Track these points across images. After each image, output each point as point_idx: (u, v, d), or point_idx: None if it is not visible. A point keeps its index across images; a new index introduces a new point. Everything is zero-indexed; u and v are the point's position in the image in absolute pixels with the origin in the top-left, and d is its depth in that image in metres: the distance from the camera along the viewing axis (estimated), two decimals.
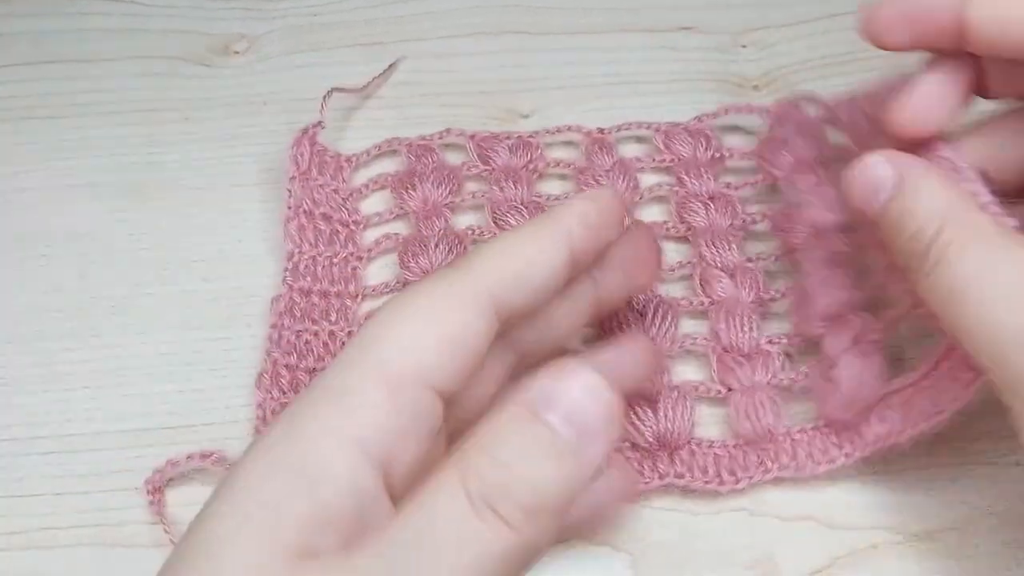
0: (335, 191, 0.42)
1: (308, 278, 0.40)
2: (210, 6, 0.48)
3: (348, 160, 0.43)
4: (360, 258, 0.41)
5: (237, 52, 0.47)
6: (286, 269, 0.40)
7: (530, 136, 0.43)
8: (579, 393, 0.25)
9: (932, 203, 0.31)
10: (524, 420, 0.25)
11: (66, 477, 0.37)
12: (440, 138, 0.43)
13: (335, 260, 0.40)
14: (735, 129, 0.44)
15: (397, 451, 0.26)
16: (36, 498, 0.37)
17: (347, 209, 0.42)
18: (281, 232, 0.41)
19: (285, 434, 0.26)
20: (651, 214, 0.42)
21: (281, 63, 0.47)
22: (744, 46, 0.47)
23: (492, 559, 0.24)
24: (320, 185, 0.41)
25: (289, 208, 0.41)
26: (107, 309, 0.41)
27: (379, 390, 0.26)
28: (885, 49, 0.33)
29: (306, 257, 0.40)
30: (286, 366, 0.37)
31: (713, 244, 0.40)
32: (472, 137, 0.43)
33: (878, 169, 0.32)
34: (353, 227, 0.41)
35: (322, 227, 0.41)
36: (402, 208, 0.41)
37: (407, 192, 0.41)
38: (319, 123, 0.42)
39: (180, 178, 0.44)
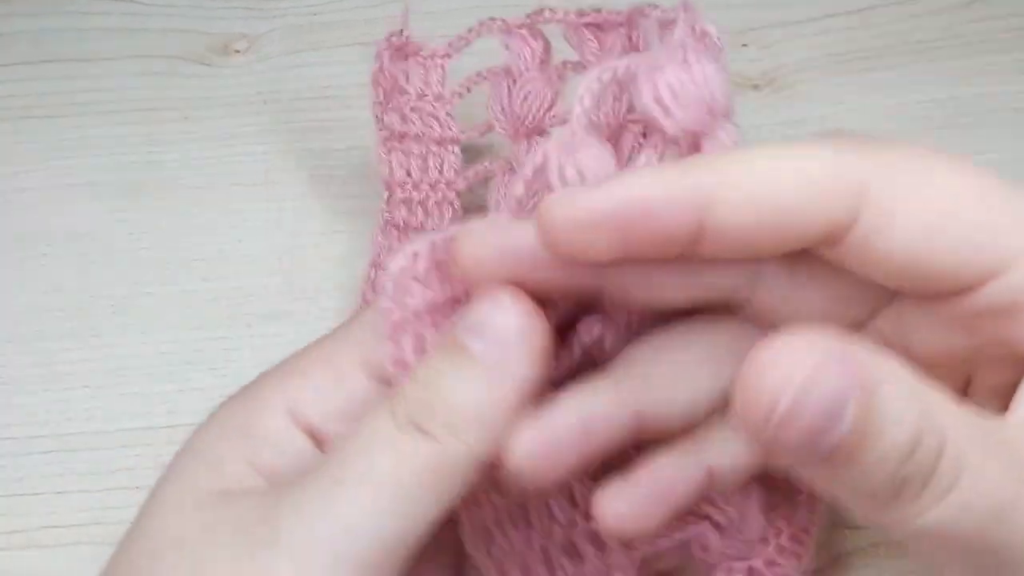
0: (426, 102, 0.39)
1: (404, 210, 0.38)
2: (210, 5, 0.48)
3: (437, 57, 0.40)
4: (455, 190, 0.38)
5: (237, 51, 0.47)
6: (383, 206, 0.38)
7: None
8: (488, 309, 0.25)
9: (914, 405, 0.20)
10: (445, 346, 0.26)
11: (66, 476, 0.37)
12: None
13: (431, 192, 0.38)
14: None
15: (343, 427, 0.27)
16: (36, 497, 0.37)
17: (440, 122, 0.39)
18: (278, 230, 0.41)
19: (238, 402, 0.28)
20: None
21: (281, 62, 0.47)
22: (744, 45, 0.47)
23: (421, 473, 0.25)
24: (408, 100, 0.39)
25: (380, 132, 0.38)
26: (107, 309, 0.41)
27: (327, 374, 0.27)
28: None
29: (398, 193, 0.38)
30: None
31: None
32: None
33: (832, 378, 0.19)
34: (450, 146, 0.39)
35: (415, 150, 0.38)
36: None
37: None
38: (399, 33, 0.40)
39: (180, 178, 0.44)
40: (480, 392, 0.25)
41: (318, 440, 0.27)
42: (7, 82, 0.46)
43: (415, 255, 0.25)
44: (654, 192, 0.23)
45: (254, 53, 0.47)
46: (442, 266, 0.26)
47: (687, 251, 0.23)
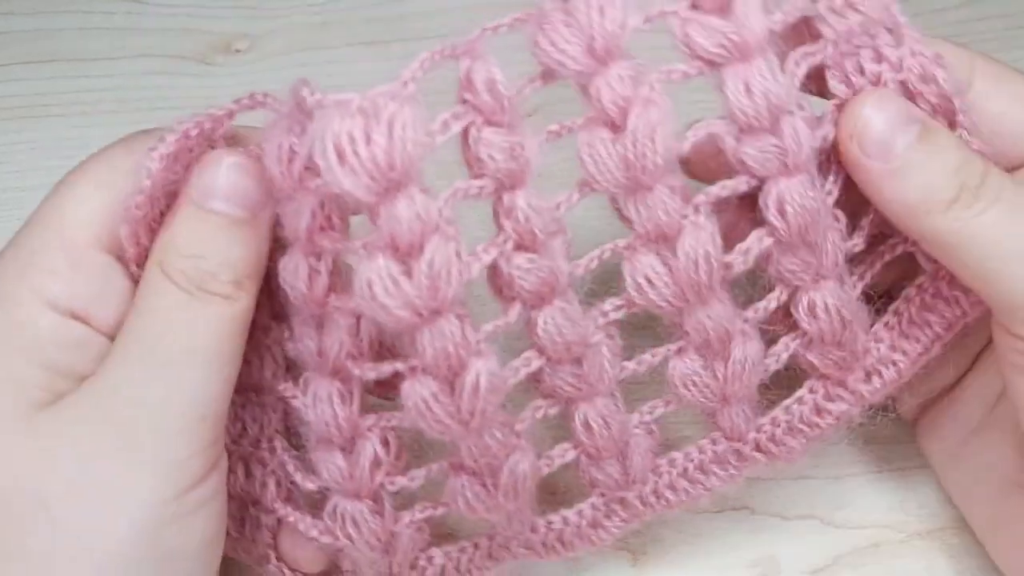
0: None
1: None
2: (212, 5, 0.48)
3: None
4: None
5: (239, 51, 0.47)
6: None
7: None
8: (228, 174, 0.29)
9: (969, 148, 0.30)
10: (197, 217, 0.29)
11: None
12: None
13: None
14: None
15: (97, 308, 0.29)
16: None
17: None
18: None
19: None
20: None
21: (282, 62, 0.47)
22: None
23: (219, 329, 0.28)
24: None
25: None
26: None
27: (61, 256, 0.29)
28: None
29: None
30: None
31: None
32: None
33: (896, 102, 0.30)
34: None
35: None
36: None
37: None
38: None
39: None
40: (250, 249, 0.29)
41: (85, 322, 0.29)
42: (8, 81, 0.46)
43: (160, 140, 0.29)
44: None
45: (256, 52, 0.47)
46: (181, 154, 0.29)
47: None
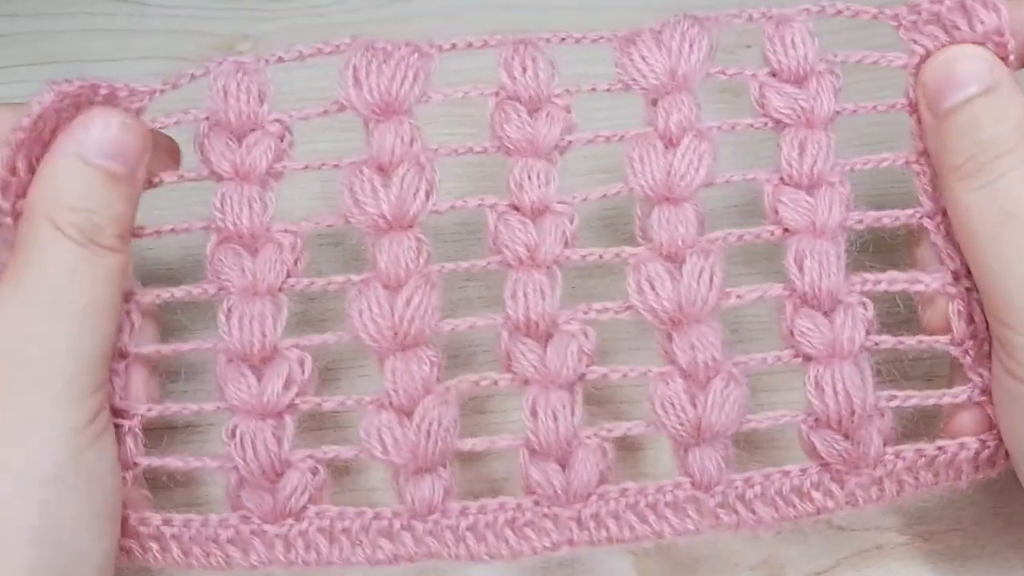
0: None
1: None
2: (214, 6, 0.48)
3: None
4: None
5: (241, 52, 0.47)
6: None
7: None
8: (116, 132, 0.32)
9: (1019, 117, 0.30)
10: (85, 172, 0.31)
11: None
12: None
13: None
14: None
15: None
16: None
17: None
18: None
19: None
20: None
21: (284, 63, 0.47)
22: (749, 46, 0.47)
23: (108, 279, 0.31)
24: None
25: None
26: None
27: None
28: None
29: None
30: None
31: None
32: None
33: (973, 63, 0.31)
34: None
35: None
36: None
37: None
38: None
39: None
40: (132, 202, 0.32)
41: None
42: (11, 83, 0.46)
43: (48, 93, 0.31)
44: None
45: (257, 54, 0.47)
46: (72, 99, 0.32)
47: None
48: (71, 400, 0.30)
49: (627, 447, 0.37)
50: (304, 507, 0.32)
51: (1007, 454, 0.32)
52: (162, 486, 0.35)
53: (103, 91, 0.33)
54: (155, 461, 0.33)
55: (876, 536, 0.37)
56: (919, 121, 0.33)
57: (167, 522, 0.32)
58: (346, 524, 0.32)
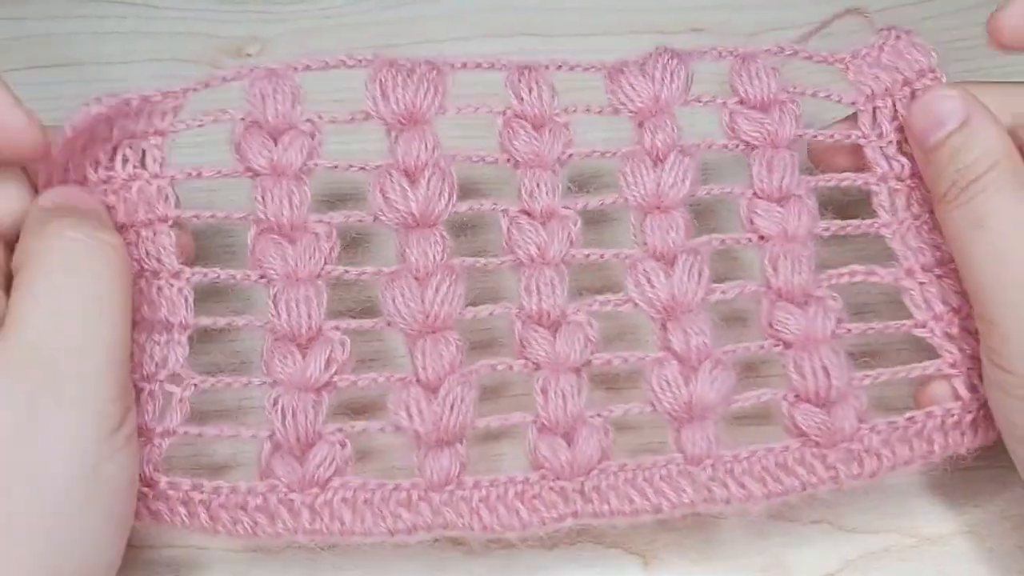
0: None
1: None
2: (222, 9, 0.48)
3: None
4: None
5: (249, 55, 0.47)
6: None
7: None
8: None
9: (989, 144, 0.34)
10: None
11: None
12: None
13: None
14: None
15: None
16: None
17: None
18: None
19: None
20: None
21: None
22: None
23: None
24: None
25: None
26: None
27: None
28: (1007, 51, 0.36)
29: None
30: None
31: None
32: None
33: (948, 103, 0.35)
34: None
35: None
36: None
37: None
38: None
39: None
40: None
41: None
42: (20, 85, 0.46)
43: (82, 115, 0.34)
44: None
45: (266, 56, 0.47)
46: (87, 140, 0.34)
47: None
48: (95, 406, 0.30)
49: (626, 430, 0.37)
50: (329, 478, 0.34)
51: (973, 423, 0.35)
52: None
53: (135, 103, 0.35)
54: (192, 429, 0.35)
55: (884, 538, 0.37)
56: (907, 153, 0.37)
57: (197, 487, 0.34)
58: (368, 495, 0.34)
